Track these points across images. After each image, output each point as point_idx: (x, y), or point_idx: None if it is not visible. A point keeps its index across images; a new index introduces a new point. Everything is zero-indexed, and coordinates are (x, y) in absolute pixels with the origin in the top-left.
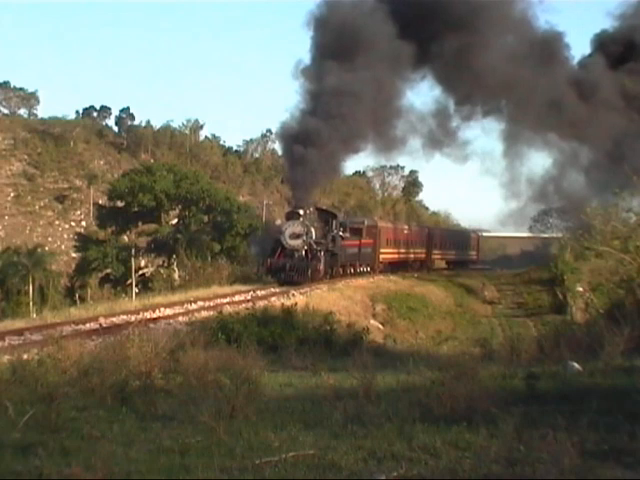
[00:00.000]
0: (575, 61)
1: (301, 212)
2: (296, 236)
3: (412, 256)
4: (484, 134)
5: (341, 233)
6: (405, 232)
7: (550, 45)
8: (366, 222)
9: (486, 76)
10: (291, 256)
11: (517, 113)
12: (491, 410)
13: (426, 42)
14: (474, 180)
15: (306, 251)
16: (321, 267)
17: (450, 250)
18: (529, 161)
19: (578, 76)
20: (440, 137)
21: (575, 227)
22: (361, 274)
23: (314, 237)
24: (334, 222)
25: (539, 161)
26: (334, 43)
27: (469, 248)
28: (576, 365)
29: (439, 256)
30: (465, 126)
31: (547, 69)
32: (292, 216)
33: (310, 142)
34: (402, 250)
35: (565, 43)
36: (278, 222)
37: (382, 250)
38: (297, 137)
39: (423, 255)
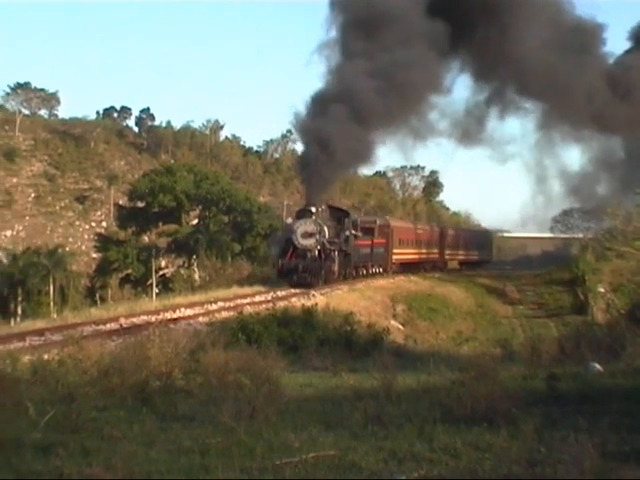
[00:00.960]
0: (612, 59)
1: (313, 209)
2: (309, 235)
3: (425, 256)
4: (520, 126)
5: (353, 232)
6: (418, 232)
7: (587, 36)
8: (378, 221)
9: (521, 64)
10: (303, 256)
11: (552, 106)
12: (512, 411)
13: (458, 27)
14: (497, 180)
15: (319, 251)
16: (335, 268)
17: (463, 250)
18: (563, 154)
19: (615, 72)
20: (474, 134)
21: (597, 228)
22: (373, 275)
23: (327, 236)
24: (346, 220)
25: (574, 154)
26: (360, 22)
27: (482, 248)
28: (597, 366)
29: (452, 256)
30: (500, 123)
31: (583, 60)
32: (304, 214)
33: (327, 134)
34: (415, 250)
35: (603, 37)
36: (289, 221)
37: (395, 250)
38: (313, 130)
39: (436, 255)
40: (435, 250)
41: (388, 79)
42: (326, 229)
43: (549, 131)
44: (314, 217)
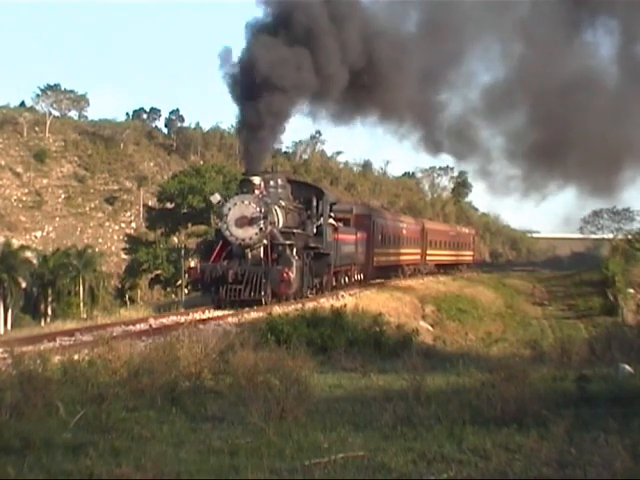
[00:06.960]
0: None
1: (256, 181)
2: (247, 222)
3: (407, 257)
4: None
5: (333, 221)
6: (401, 226)
7: None
8: (355, 209)
9: None
10: (240, 257)
11: None
12: (542, 412)
13: None
14: None
15: (266, 248)
16: (291, 275)
17: (443, 250)
18: None
19: None
20: None
21: (627, 229)
22: (351, 285)
23: (281, 223)
24: (320, 203)
25: None
26: None
27: (461, 247)
28: (628, 367)
29: (433, 257)
30: None
31: None
32: (242, 188)
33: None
34: (397, 250)
35: None
36: (216, 197)
37: (377, 250)
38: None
39: (418, 256)
40: (417, 250)
41: None
42: (279, 212)
43: None
44: (258, 192)
